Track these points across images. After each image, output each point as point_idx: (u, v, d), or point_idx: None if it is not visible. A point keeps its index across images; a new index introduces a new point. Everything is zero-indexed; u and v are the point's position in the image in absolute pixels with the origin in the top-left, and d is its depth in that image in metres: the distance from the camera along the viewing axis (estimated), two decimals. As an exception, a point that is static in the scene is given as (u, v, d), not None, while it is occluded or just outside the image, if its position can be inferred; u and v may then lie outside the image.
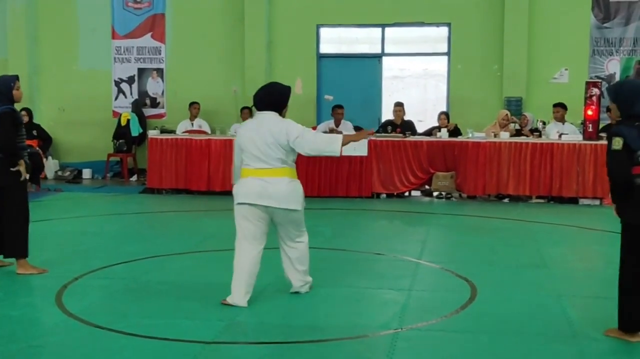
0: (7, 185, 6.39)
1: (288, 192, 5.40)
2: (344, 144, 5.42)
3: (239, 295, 5.42)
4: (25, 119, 12.26)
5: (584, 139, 11.13)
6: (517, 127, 11.97)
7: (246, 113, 13.19)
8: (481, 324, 5.12)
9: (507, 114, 12.03)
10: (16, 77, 6.61)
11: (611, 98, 4.90)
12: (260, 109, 5.56)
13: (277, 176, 5.37)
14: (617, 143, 4.59)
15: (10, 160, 6.36)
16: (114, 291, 5.98)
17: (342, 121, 12.38)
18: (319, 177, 11.53)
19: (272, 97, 5.55)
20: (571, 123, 11.78)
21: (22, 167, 6.40)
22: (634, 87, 4.82)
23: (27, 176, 6.51)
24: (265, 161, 5.36)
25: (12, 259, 6.55)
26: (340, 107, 12.46)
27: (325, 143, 5.43)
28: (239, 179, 5.55)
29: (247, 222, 5.43)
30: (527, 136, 11.58)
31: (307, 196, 12.02)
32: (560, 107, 11.71)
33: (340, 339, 4.82)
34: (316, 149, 5.41)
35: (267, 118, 5.47)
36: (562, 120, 11.73)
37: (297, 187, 5.49)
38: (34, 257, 6.57)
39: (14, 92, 6.49)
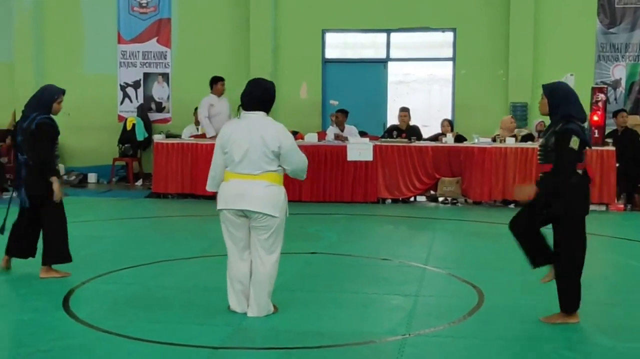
0: (43, 194, 6.32)
1: (265, 195, 5.12)
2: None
3: (233, 304, 5.40)
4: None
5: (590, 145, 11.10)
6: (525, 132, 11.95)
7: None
8: (489, 330, 5.12)
9: (510, 117, 12.05)
10: (62, 92, 6.47)
11: (545, 94, 5.28)
12: (247, 109, 5.24)
13: (257, 179, 5.13)
14: (575, 143, 5.07)
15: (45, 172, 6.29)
16: (121, 296, 5.98)
17: (346, 126, 12.37)
18: (324, 182, 11.53)
19: (264, 95, 5.24)
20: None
21: (56, 184, 6.28)
22: (567, 92, 5.27)
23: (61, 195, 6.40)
24: (249, 167, 5.14)
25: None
26: (341, 111, 12.38)
27: (304, 168, 5.33)
28: (213, 187, 5.43)
29: (229, 229, 5.33)
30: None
31: (313, 200, 11.95)
32: None
33: (348, 344, 4.81)
34: (296, 170, 5.29)
35: (256, 120, 5.19)
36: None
37: (278, 192, 5.19)
38: (38, 262, 6.56)
39: (55, 105, 6.40)
